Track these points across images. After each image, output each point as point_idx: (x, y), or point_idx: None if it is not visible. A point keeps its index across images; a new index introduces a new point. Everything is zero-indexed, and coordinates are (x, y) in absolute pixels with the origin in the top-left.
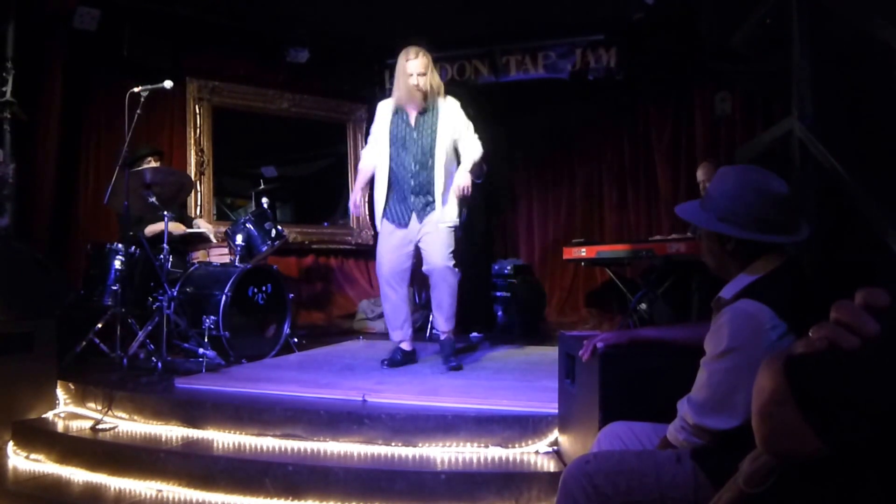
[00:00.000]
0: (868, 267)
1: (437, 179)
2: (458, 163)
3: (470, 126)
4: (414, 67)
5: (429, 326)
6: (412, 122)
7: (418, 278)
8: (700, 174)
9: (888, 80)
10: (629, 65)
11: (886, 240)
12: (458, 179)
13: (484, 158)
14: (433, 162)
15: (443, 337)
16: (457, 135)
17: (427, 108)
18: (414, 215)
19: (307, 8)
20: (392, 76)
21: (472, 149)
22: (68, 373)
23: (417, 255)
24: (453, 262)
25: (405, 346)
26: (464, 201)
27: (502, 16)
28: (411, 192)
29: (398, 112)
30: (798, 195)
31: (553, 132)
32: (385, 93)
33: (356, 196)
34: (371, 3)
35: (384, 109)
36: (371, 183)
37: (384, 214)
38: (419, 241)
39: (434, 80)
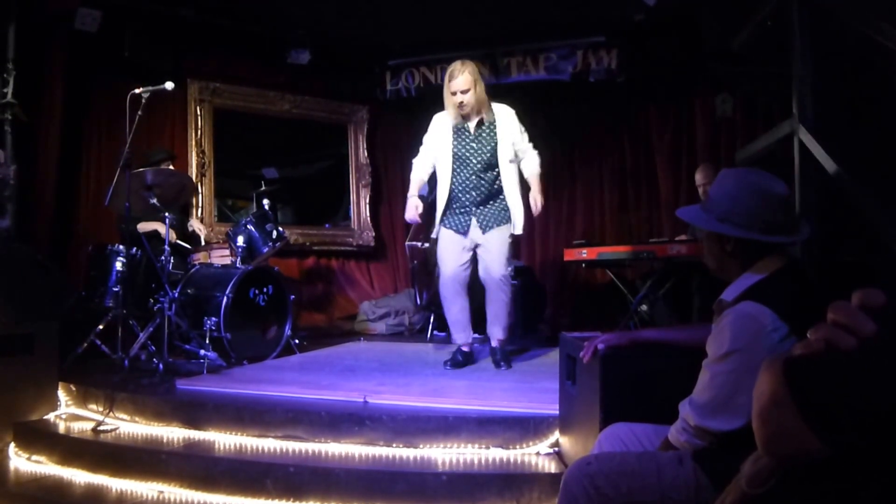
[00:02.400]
0: (868, 268)
1: (507, 187)
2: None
3: (525, 135)
4: (457, 86)
5: (430, 328)
6: (472, 133)
7: (419, 279)
8: (699, 177)
9: (888, 81)
10: (630, 66)
11: (887, 241)
12: (534, 201)
13: None
14: (498, 172)
15: (494, 344)
16: (515, 143)
17: (485, 119)
18: (474, 221)
19: (308, 9)
20: (393, 77)
21: (533, 163)
22: (70, 374)
23: (421, 257)
24: (511, 272)
25: (466, 348)
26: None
27: (503, 17)
28: (473, 203)
29: (458, 127)
30: (798, 197)
31: (554, 134)
32: (386, 94)
33: (415, 203)
34: (372, 4)
35: (440, 122)
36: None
37: (442, 223)
38: (478, 248)
39: (481, 92)
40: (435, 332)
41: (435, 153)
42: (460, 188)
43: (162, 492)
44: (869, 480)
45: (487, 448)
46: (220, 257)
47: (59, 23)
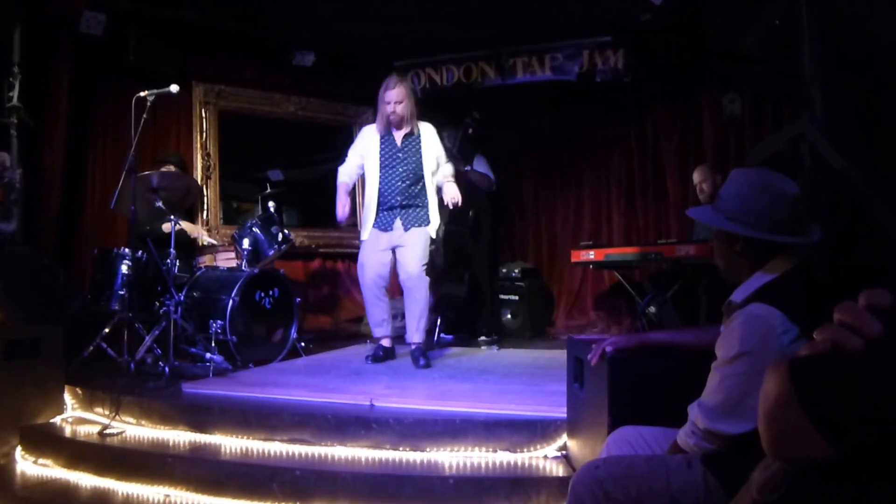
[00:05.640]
0: (879, 269)
1: (430, 196)
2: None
3: (443, 151)
4: (392, 97)
5: (436, 331)
6: (398, 143)
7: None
8: (696, 176)
9: None
10: (637, 66)
11: None
12: (450, 191)
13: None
14: (422, 180)
15: (413, 347)
16: (438, 157)
17: (411, 131)
18: (399, 221)
19: (313, 11)
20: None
21: (448, 168)
22: (76, 378)
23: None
24: (426, 271)
25: (386, 342)
26: (445, 212)
27: (509, 18)
28: (399, 206)
29: (385, 136)
30: (809, 197)
31: (560, 134)
32: None
33: (344, 205)
34: (377, 6)
35: (369, 133)
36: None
37: (373, 224)
38: (397, 248)
39: (412, 108)
40: (442, 335)
41: (362, 161)
42: (387, 192)
43: (168, 495)
44: (881, 484)
45: (495, 451)
46: (226, 260)
47: (65, 26)
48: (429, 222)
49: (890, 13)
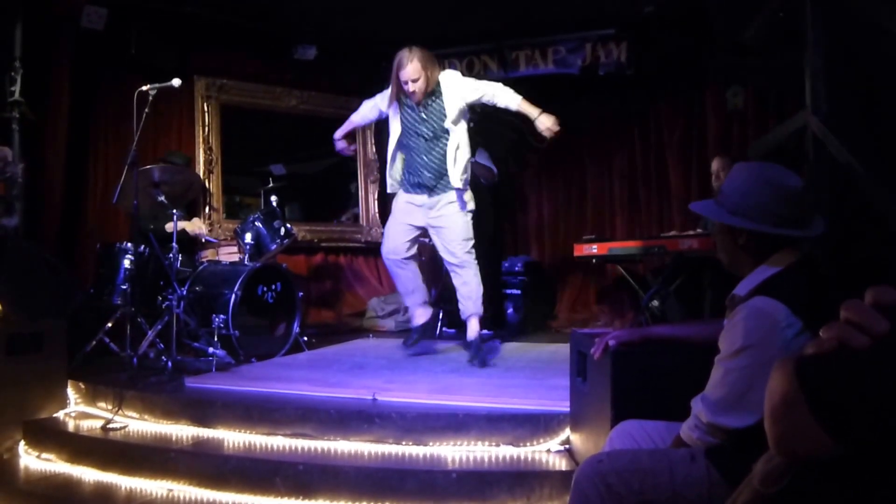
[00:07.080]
0: (883, 262)
1: (450, 161)
2: (472, 148)
3: (481, 81)
4: (407, 75)
5: (439, 325)
6: (418, 109)
7: (428, 274)
8: (715, 165)
9: None
10: (640, 59)
11: None
12: (540, 124)
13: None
14: (446, 141)
15: (472, 335)
16: (471, 98)
17: (431, 93)
18: (426, 193)
19: (314, 5)
20: None
21: (506, 95)
22: (78, 372)
23: (429, 253)
24: (472, 250)
25: (422, 316)
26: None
27: (511, 10)
28: (426, 168)
29: (405, 103)
30: (812, 190)
31: (563, 128)
32: None
33: (340, 135)
34: None
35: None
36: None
37: (400, 186)
38: (433, 229)
39: (432, 75)
40: (444, 329)
41: (376, 113)
42: (411, 157)
43: (171, 490)
44: (884, 479)
45: (498, 445)
46: (228, 254)
47: (66, 21)
48: (461, 200)
49: (894, 5)
